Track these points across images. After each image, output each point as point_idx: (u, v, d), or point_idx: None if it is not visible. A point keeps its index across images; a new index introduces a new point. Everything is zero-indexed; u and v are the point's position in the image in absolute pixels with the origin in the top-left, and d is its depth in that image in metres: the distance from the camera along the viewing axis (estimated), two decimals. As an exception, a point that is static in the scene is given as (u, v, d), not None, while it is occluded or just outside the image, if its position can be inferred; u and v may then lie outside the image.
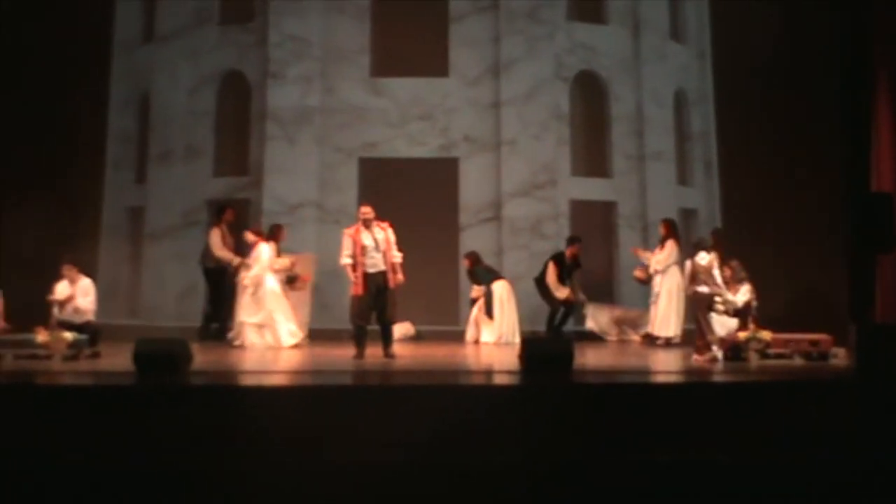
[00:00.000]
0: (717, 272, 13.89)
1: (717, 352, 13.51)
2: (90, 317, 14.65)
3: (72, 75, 17.51)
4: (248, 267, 15.80)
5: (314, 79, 18.82)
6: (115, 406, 10.70)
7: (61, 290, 14.61)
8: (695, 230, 18.59)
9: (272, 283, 15.92)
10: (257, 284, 15.80)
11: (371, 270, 13.91)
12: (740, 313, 14.22)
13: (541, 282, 16.83)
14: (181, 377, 11.71)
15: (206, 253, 16.77)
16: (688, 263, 14.20)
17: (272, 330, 15.84)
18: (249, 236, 16.17)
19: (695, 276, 13.96)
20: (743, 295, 14.26)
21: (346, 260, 14.06)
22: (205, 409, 10.62)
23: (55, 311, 14.46)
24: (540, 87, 18.73)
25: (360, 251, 13.93)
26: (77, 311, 14.54)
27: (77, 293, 14.58)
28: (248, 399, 11.02)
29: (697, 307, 13.95)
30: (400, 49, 18.72)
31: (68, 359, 13.35)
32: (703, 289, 13.86)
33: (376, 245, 13.93)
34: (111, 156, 19.28)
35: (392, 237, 14.11)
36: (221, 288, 16.88)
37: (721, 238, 15.90)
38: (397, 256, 14.13)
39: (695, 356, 13.63)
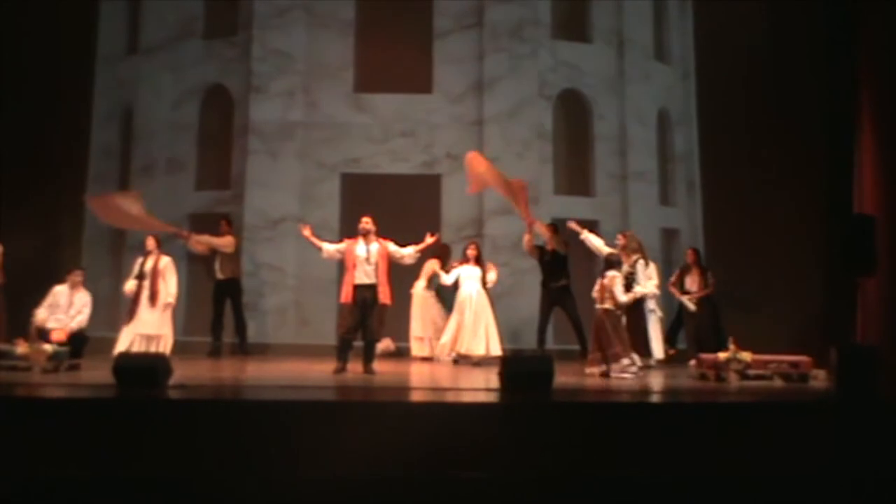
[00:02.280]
0: (618, 289, 14.17)
1: (604, 367, 14.02)
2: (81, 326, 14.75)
3: (55, 88, 17.54)
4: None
5: (297, 93, 18.89)
6: (95, 419, 10.69)
7: (61, 296, 14.78)
8: (676, 250, 18.66)
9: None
10: None
11: (359, 282, 13.98)
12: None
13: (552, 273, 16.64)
14: (161, 391, 11.70)
15: (224, 265, 17.01)
16: (598, 282, 14.42)
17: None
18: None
19: (603, 294, 14.26)
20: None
21: (327, 245, 14.37)
22: (184, 423, 10.64)
23: (41, 314, 14.51)
24: (523, 105, 18.83)
25: (351, 263, 14.02)
26: (73, 319, 14.66)
27: (76, 302, 14.67)
28: (228, 413, 11.01)
29: (602, 323, 14.18)
30: (383, 65, 18.79)
31: (48, 371, 13.32)
32: (607, 305, 14.18)
33: (368, 257, 13.99)
34: (94, 168, 19.28)
35: (392, 249, 14.26)
36: (241, 299, 17.34)
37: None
38: (408, 251, 14.47)
39: (587, 368, 14.28)
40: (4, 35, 17.04)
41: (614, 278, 14.25)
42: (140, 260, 15.71)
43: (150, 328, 15.48)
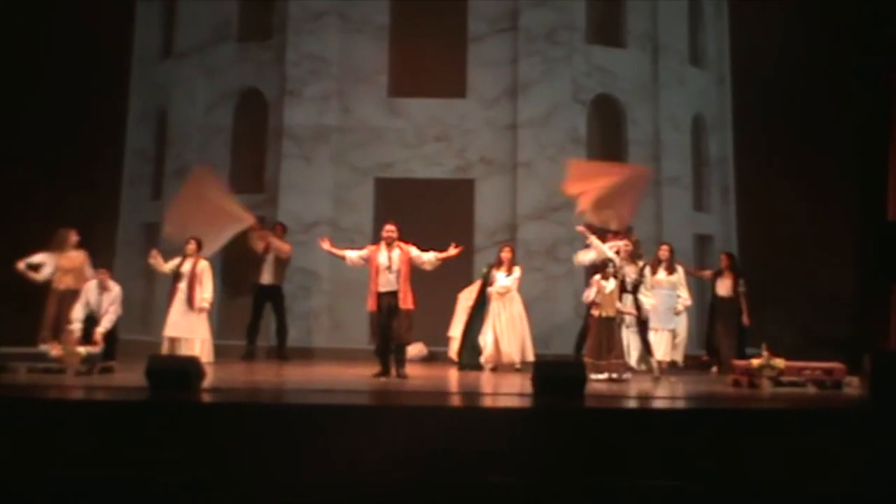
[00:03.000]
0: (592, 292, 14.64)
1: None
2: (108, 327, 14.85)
3: (90, 90, 17.63)
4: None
5: (331, 98, 18.94)
6: (127, 421, 10.77)
7: (91, 294, 14.79)
8: (710, 257, 18.60)
9: None
10: None
11: (382, 289, 14.10)
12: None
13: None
14: (193, 394, 11.78)
15: (276, 270, 17.11)
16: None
17: None
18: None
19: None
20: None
21: (349, 252, 14.52)
22: (215, 426, 10.71)
23: (77, 313, 14.65)
24: (557, 110, 18.81)
25: (374, 270, 14.13)
26: (105, 318, 14.72)
27: (103, 302, 14.76)
28: (259, 416, 11.07)
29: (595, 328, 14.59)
30: (417, 69, 18.79)
31: (81, 373, 13.47)
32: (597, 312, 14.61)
33: (390, 265, 14.08)
34: (128, 172, 19.42)
35: (413, 252, 14.28)
36: (283, 304, 17.36)
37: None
38: (429, 257, 14.42)
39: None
40: (42, 38, 17.20)
41: (593, 283, 14.69)
42: (178, 261, 15.79)
43: (182, 331, 15.59)
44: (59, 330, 14.88)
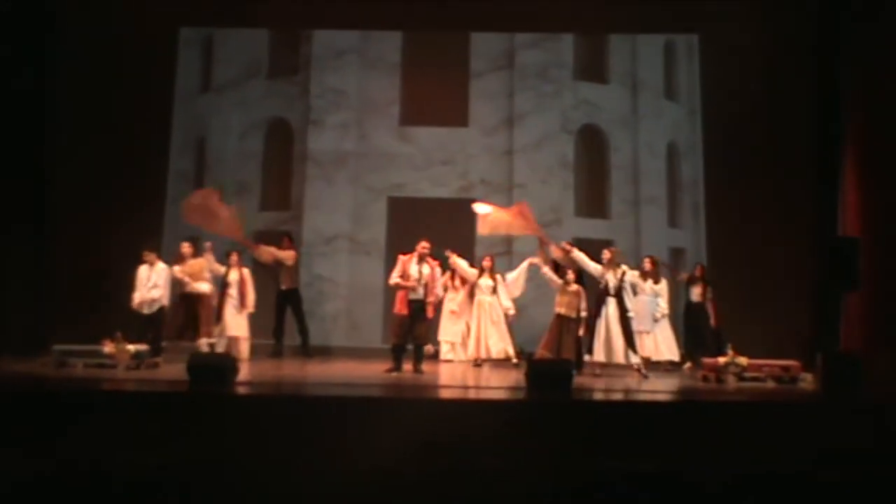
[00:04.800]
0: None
1: None
2: (160, 304, 15.30)
3: (138, 121, 17.76)
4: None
5: (350, 126, 19.08)
6: (171, 411, 10.89)
7: (143, 273, 15.27)
8: (683, 267, 18.65)
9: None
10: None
11: (413, 297, 14.41)
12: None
13: None
14: (228, 387, 11.89)
15: (286, 276, 17.18)
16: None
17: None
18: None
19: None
20: None
21: (394, 279, 14.59)
22: (248, 415, 10.82)
23: (136, 297, 15.14)
24: (548, 138, 18.95)
25: (406, 280, 14.46)
26: (151, 301, 15.14)
27: (153, 277, 15.24)
28: (287, 407, 11.17)
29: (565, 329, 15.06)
30: (426, 101, 18.95)
31: (131, 368, 13.61)
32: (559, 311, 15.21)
33: (420, 278, 14.42)
34: (171, 192, 19.45)
35: (438, 274, 14.71)
36: (301, 306, 17.36)
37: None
38: (437, 293, 14.84)
39: None
40: (97, 76, 17.33)
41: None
42: (223, 270, 16.02)
43: (237, 330, 15.95)
44: (186, 328, 15.54)
